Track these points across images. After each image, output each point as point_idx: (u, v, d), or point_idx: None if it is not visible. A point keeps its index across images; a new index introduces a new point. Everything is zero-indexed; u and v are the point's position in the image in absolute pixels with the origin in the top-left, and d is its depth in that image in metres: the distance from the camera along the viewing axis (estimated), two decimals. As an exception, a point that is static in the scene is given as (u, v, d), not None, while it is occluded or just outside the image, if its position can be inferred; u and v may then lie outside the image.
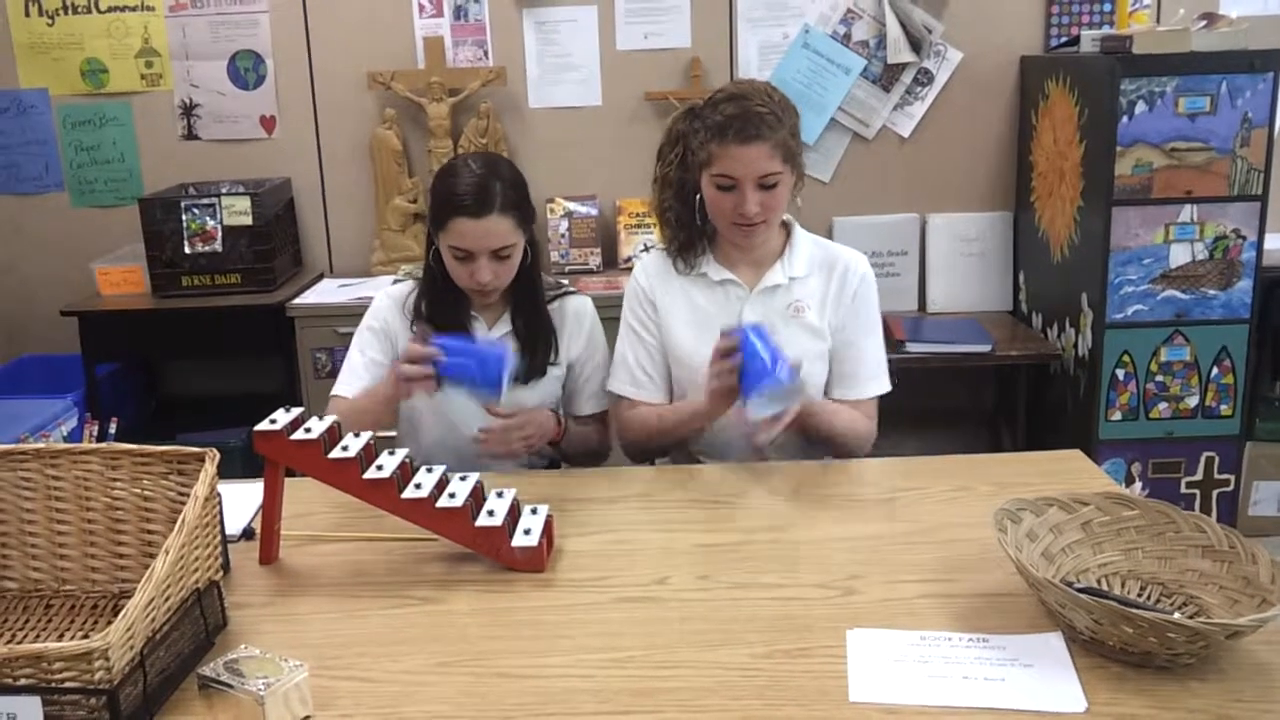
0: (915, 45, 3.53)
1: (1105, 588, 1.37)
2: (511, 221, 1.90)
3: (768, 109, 1.85)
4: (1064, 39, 3.51)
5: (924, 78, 3.59)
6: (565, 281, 2.16)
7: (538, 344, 2.02)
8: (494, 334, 2.03)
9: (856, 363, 2.01)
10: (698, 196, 1.95)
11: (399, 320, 2.04)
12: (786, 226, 2.04)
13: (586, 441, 2.10)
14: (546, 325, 2.04)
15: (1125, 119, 2.91)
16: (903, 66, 3.57)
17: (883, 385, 2.03)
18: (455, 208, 1.88)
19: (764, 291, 1.99)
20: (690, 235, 2.02)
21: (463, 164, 1.95)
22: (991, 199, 3.68)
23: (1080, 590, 1.24)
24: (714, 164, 1.88)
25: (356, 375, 2.01)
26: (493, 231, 1.88)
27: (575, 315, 2.09)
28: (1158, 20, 3.40)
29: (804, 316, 1.99)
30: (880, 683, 1.21)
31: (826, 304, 2.00)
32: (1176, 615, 1.25)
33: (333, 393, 2.01)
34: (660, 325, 2.03)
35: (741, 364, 1.72)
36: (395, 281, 2.11)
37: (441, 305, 2.01)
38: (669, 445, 2.05)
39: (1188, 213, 2.96)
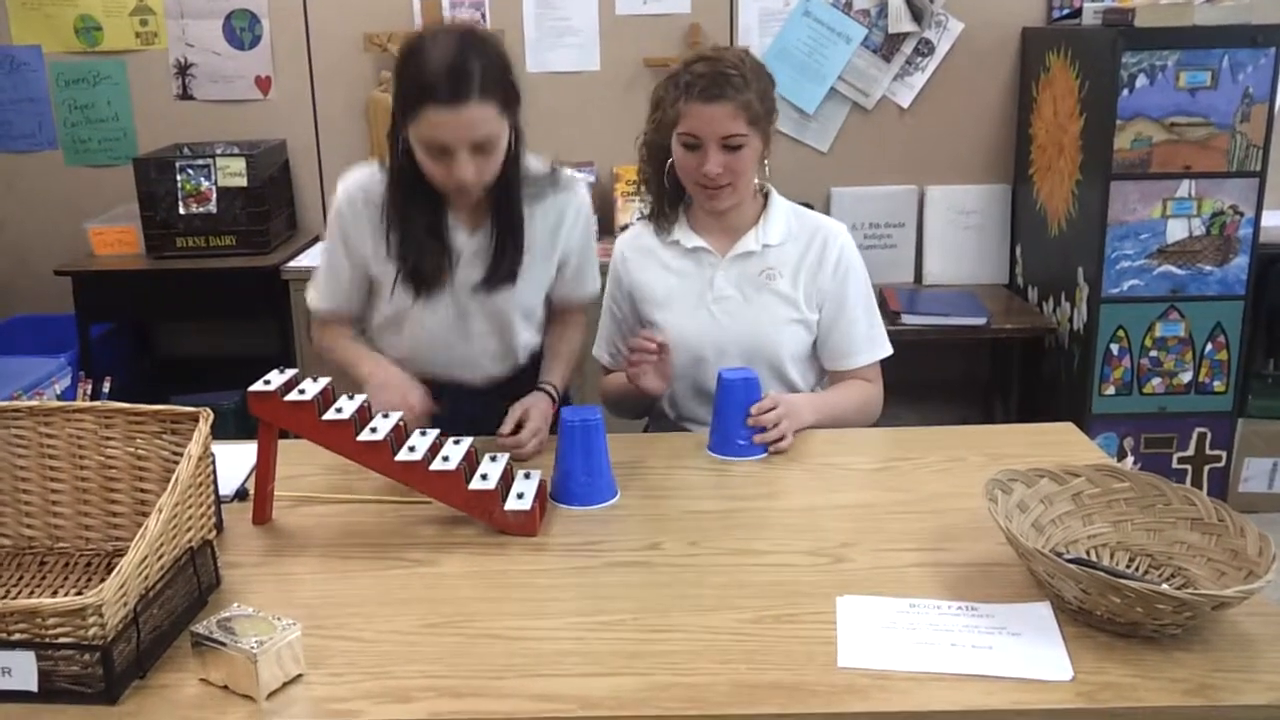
0: (916, 15, 3.50)
1: (1094, 559, 1.38)
2: (494, 108, 1.65)
3: (737, 72, 1.86)
4: (1066, 11, 3.49)
5: (925, 48, 3.57)
6: (564, 168, 1.97)
7: (506, 247, 1.82)
8: (474, 242, 1.85)
9: (849, 333, 2.01)
10: (669, 161, 1.96)
11: (365, 215, 1.82)
12: (765, 194, 2.04)
13: (574, 359, 2.04)
14: (519, 226, 1.83)
15: (1126, 92, 2.89)
16: (903, 36, 3.55)
17: (879, 351, 2.03)
18: (426, 95, 1.61)
19: (736, 258, 2.00)
20: (662, 201, 2.04)
21: (431, 41, 1.64)
22: (990, 171, 3.67)
23: (1069, 561, 1.25)
24: (681, 122, 1.89)
25: (336, 287, 1.89)
26: (472, 121, 1.63)
27: (576, 209, 1.94)
28: (1161, -7, 3.38)
29: (776, 284, 1.99)
30: (869, 648, 1.22)
31: (801, 273, 2.00)
32: (1164, 586, 1.26)
33: (320, 304, 1.90)
34: (635, 301, 2.06)
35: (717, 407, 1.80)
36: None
37: (413, 208, 1.77)
38: (636, 408, 2.10)
39: (1186, 188, 2.96)
